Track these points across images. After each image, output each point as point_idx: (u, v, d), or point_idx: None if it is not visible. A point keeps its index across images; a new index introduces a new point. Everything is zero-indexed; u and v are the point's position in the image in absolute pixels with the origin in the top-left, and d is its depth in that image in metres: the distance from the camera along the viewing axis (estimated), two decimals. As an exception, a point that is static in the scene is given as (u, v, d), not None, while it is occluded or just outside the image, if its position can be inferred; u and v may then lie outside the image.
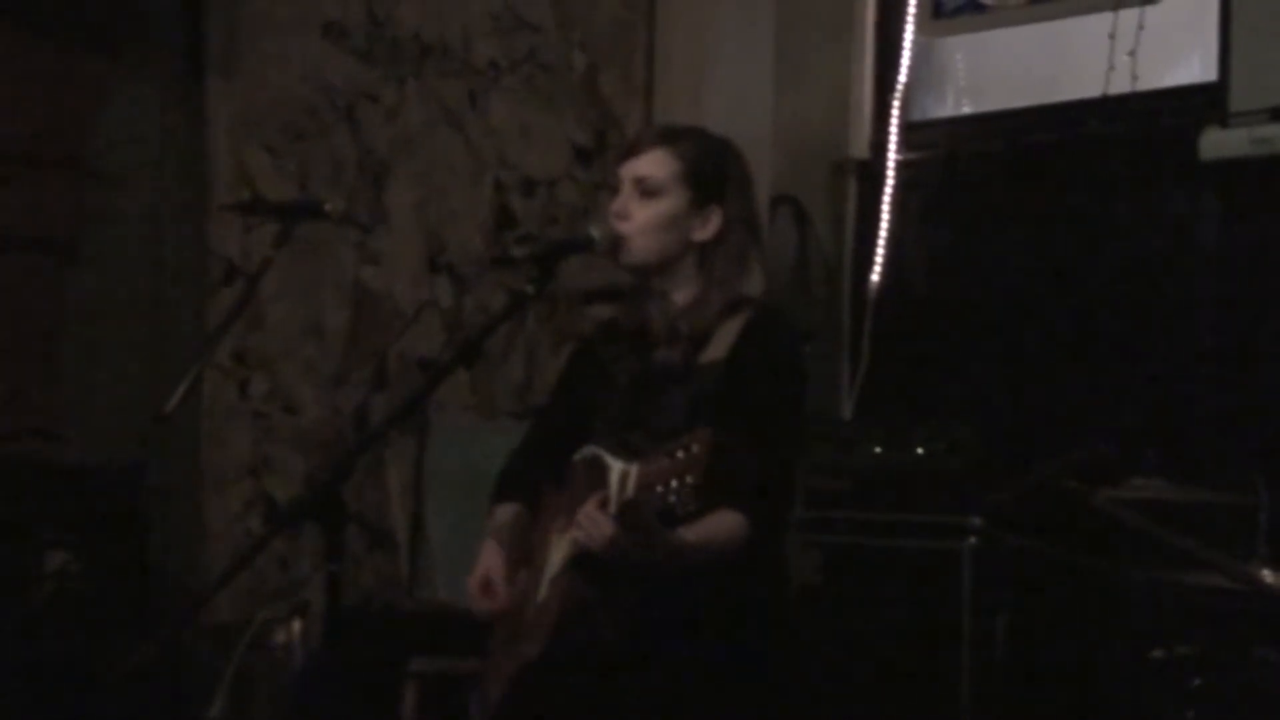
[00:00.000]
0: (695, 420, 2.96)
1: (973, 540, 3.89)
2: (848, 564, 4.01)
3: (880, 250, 4.71)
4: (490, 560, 3.14)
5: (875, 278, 4.71)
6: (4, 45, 5.38)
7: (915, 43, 4.76)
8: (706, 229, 3.12)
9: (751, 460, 2.93)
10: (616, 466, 2.74)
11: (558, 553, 2.98)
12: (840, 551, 4.02)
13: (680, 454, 2.65)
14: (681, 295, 3.12)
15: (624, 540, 2.76)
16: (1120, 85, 4.25)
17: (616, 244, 3.10)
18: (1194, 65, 4.34)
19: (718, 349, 3.08)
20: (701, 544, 2.86)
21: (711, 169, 3.14)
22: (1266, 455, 3.78)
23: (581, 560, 2.89)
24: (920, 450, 4.07)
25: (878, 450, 4.13)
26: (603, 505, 2.77)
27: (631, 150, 3.19)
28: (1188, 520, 3.41)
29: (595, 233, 3.13)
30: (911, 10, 4.75)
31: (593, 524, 2.78)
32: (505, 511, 3.23)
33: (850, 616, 3.97)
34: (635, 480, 2.69)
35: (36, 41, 5.45)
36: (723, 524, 2.91)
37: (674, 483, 2.65)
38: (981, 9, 4.76)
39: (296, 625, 4.65)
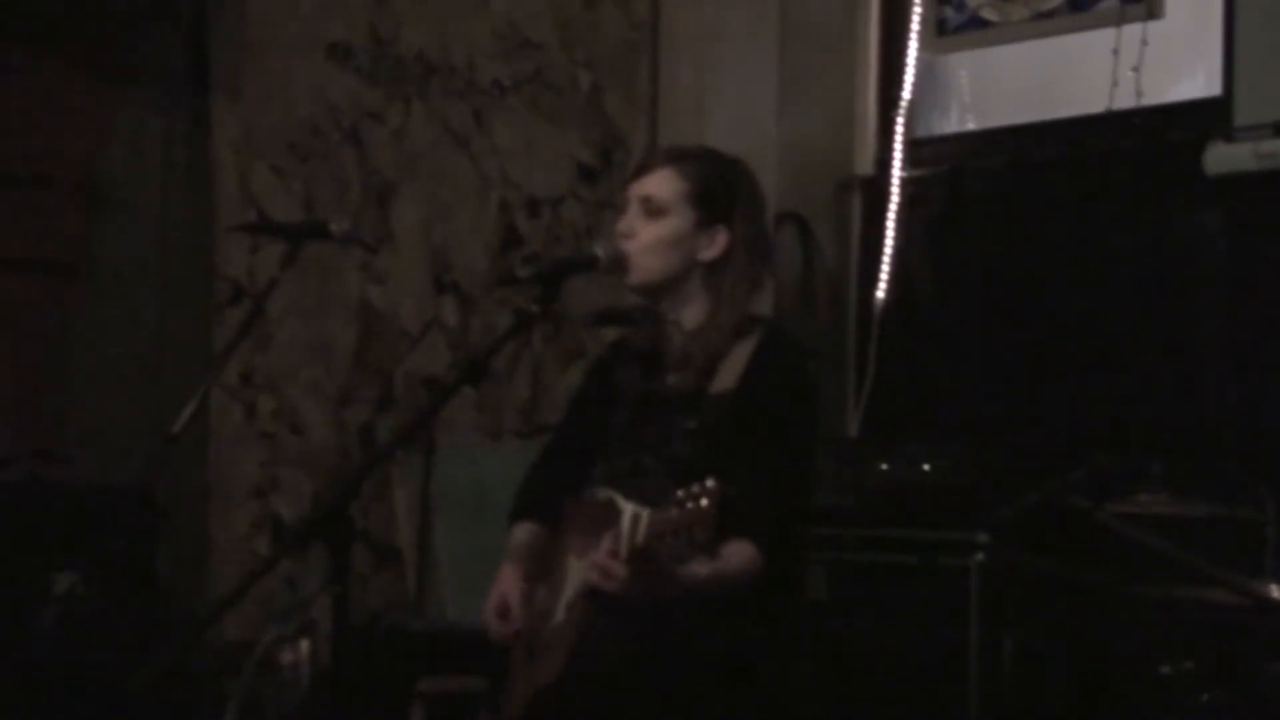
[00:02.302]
0: (706, 451, 2.97)
1: (979, 557, 3.88)
2: (853, 581, 4.00)
3: (885, 266, 4.71)
4: (507, 584, 3.14)
5: (880, 294, 4.71)
6: (11, 70, 5.40)
7: (919, 59, 4.76)
8: (712, 249, 3.12)
9: (762, 495, 2.93)
10: (629, 510, 2.74)
11: (574, 578, 2.98)
12: (846, 568, 4.01)
13: (690, 505, 2.64)
14: (689, 315, 3.12)
15: (637, 585, 2.77)
16: (1124, 100, 4.25)
17: (621, 263, 3.11)
18: (1198, 80, 4.34)
19: (727, 377, 3.07)
20: (714, 579, 2.86)
21: (719, 189, 3.14)
22: (1274, 470, 3.77)
23: (595, 592, 2.89)
24: (926, 466, 4.07)
25: (883, 467, 4.13)
26: (614, 550, 2.77)
27: (640, 170, 3.20)
28: (1194, 536, 3.41)
29: (600, 252, 3.13)
30: (915, 27, 4.75)
31: (606, 572, 2.78)
32: (522, 531, 3.23)
33: (856, 633, 3.96)
34: (646, 528, 2.69)
35: (42, 65, 5.47)
36: (735, 557, 2.90)
37: (683, 536, 2.65)
38: (985, 25, 4.76)
39: (304, 645, 4.65)
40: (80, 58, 5.58)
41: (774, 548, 2.96)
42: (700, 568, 2.83)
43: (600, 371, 3.32)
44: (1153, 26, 4.26)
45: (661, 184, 3.12)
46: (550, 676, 2.94)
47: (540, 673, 2.98)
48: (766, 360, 3.08)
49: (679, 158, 3.19)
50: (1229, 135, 4.10)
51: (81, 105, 5.63)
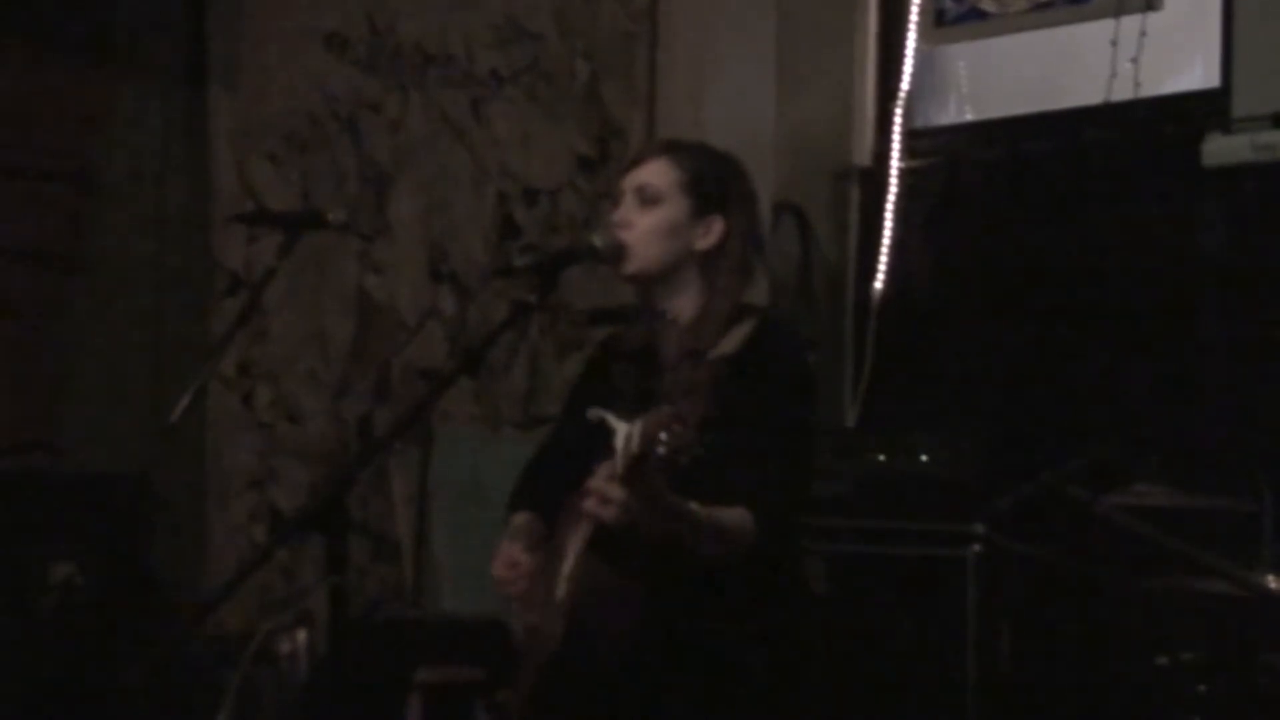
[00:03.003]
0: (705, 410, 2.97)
1: (976, 548, 3.88)
2: (850, 572, 4.01)
3: (883, 258, 4.71)
4: (509, 547, 3.14)
5: (878, 285, 4.71)
6: (7, 59, 5.39)
7: (917, 50, 4.76)
8: (708, 237, 3.13)
9: (760, 467, 2.93)
10: (621, 428, 2.72)
11: (573, 547, 2.98)
12: (843, 559, 4.01)
13: (680, 400, 2.67)
14: (683, 306, 3.13)
15: (633, 502, 2.76)
16: (1123, 92, 4.25)
17: (618, 252, 3.11)
18: (1196, 72, 4.34)
19: (726, 347, 3.08)
20: (707, 519, 2.85)
21: (713, 179, 3.15)
22: (1270, 461, 3.78)
23: (596, 543, 2.89)
24: (923, 458, 4.07)
25: (881, 458, 4.13)
26: (610, 474, 2.76)
27: (634, 161, 3.22)
28: (1191, 526, 3.41)
29: (597, 241, 3.14)
30: (913, 18, 4.75)
31: (602, 496, 2.78)
32: (520, 517, 3.24)
33: (853, 624, 3.96)
34: (639, 436, 2.68)
35: (39, 55, 5.47)
36: (730, 513, 2.91)
37: (675, 426, 2.64)
38: (983, 17, 4.76)
39: (301, 636, 4.65)
40: (77, 48, 5.57)
41: (767, 523, 2.95)
42: (698, 508, 2.82)
43: (595, 370, 3.32)
44: (1151, 18, 4.26)
45: (656, 173, 3.14)
46: (553, 645, 2.94)
47: (542, 649, 2.98)
48: (762, 341, 3.08)
49: (672, 148, 3.21)
50: (1227, 127, 4.10)
51: (78, 95, 5.62)
